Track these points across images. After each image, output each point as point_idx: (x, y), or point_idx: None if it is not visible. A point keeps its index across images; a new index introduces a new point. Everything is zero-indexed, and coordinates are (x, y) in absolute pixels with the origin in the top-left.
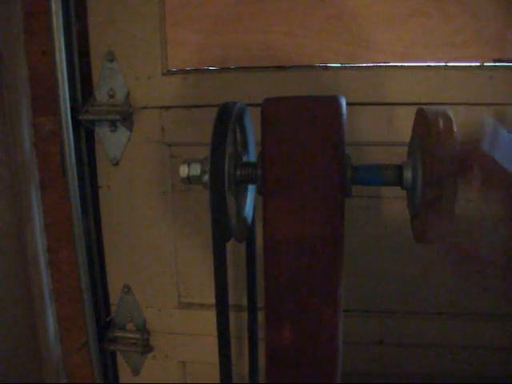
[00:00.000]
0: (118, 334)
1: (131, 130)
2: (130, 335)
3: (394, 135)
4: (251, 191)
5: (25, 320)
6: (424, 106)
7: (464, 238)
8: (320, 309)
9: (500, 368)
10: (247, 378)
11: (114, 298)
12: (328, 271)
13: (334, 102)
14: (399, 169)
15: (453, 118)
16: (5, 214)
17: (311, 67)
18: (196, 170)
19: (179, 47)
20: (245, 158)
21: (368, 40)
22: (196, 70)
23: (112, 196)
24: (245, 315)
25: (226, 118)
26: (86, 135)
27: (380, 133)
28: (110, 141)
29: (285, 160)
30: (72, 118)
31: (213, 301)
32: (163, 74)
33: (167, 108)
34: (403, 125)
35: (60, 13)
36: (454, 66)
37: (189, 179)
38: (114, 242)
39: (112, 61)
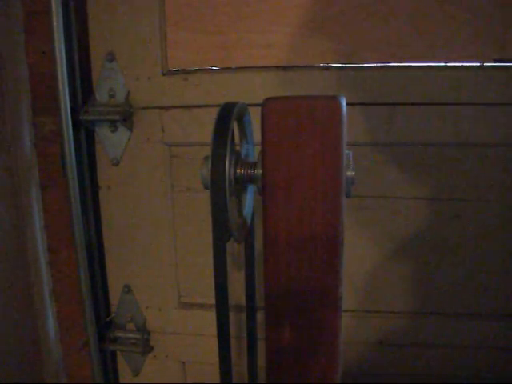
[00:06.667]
0: (118, 334)
1: (131, 130)
2: (130, 335)
3: (394, 135)
4: (251, 191)
5: (25, 320)
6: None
7: None
8: (320, 309)
9: (500, 368)
10: (247, 378)
11: (114, 298)
12: (328, 271)
13: (334, 101)
14: None
15: None
16: (5, 214)
17: (311, 67)
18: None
19: (179, 47)
20: (244, 158)
21: (368, 40)
22: (196, 70)
23: (112, 196)
24: (244, 315)
25: (227, 118)
26: (86, 135)
27: (380, 133)
28: (110, 141)
29: (285, 160)
30: (72, 118)
31: (213, 301)
32: (163, 74)
33: (167, 108)
34: (403, 125)
35: (60, 13)
36: (454, 66)
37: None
38: (113, 242)
39: (112, 61)
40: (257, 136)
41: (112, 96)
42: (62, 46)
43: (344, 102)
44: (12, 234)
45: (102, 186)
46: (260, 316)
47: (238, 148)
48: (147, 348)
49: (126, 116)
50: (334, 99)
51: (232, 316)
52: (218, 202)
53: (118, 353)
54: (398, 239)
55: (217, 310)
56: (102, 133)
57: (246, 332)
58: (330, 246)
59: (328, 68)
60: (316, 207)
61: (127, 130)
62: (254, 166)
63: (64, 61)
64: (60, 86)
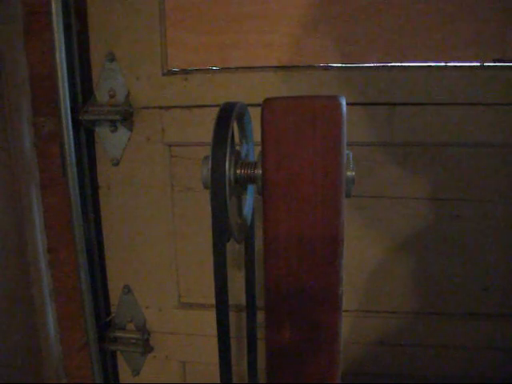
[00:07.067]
0: (118, 334)
1: (131, 130)
2: (130, 335)
3: (394, 135)
4: (251, 191)
5: (25, 320)
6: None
7: None
8: (320, 309)
9: (500, 368)
10: (247, 378)
11: (114, 298)
12: (328, 271)
13: (334, 101)
14: None
15: None
16: (5, 214)
17: (311, 67)
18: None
19: (179, 47)
20: (244, 158)
21: (368, 40)
22: (196, 70)
23: (112, 196)
24: (244, 315)
25: (227, 118)
26: (86, 135)
27: (380, 133)
28: (110, 141)
29: (285, 160)
30: (72, 118)
31: (213, 301)
32: (163, 74)
33: (167, 108)
34: (403, 125)
35: (60, 13)
36: (454, 66)
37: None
38: (113, 242)
39: (112, 61)
40: (257, 136)
41: (112, 96)
42: (62, 46)
43: (344, 102)
44: (12, 233)
45: (102, 186)
46: (260, 316)
47: (238, 148)
48: (147, 348)
49: (126, 116)
50: (334, 99)
51: (232, 316)
52: (218, 201)
53: (118, 353)
54: (398, 239)
55: (217, 310)
56: (102, 133)
57: (246, 332)
58: (330, 246)
59: (328, 68)
60: (316, 207)
61: (127, 130)
62: (254, 165)
63: (64, 61)
64: (60, 86)
